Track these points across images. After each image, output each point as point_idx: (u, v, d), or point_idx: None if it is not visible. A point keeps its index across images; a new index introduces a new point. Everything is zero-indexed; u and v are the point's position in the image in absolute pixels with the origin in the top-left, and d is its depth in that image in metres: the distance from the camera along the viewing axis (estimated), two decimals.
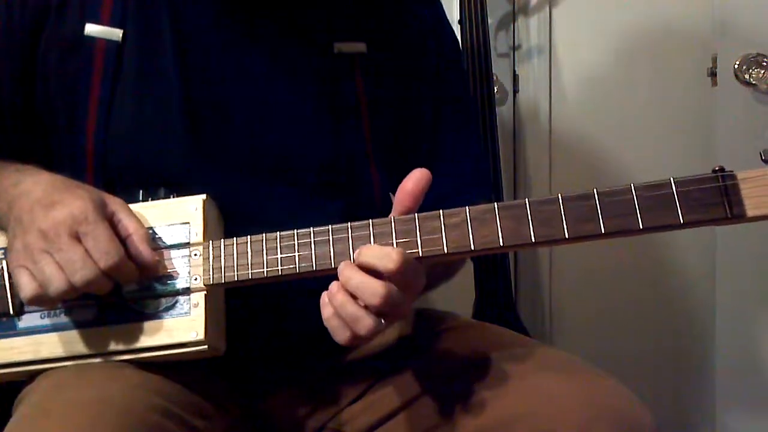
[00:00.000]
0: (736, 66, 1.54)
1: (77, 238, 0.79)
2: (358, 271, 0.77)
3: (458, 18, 1.59)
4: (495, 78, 1.65)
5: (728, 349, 1.63)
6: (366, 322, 0.76)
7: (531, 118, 1.75)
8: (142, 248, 0.82)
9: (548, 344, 1.27)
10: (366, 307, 0.76)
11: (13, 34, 0.94)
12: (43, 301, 0.80)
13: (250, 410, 0.97)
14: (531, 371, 0.88)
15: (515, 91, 1.73)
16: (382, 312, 0.77)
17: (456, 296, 1.41)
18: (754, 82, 1.53)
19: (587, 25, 1.71)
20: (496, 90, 1.64)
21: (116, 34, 0.94)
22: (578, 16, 1.71)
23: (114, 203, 0.84)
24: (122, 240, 0.82)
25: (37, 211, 0.80)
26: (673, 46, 1.69)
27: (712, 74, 1.58)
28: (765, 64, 1.52)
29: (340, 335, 0.78)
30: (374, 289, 0.76)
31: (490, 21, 1.62)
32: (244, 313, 0.89)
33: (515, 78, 1.73)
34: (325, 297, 0.79)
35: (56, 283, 0.78)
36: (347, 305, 0.77)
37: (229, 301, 0.88)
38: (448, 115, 1.06)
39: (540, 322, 1.78)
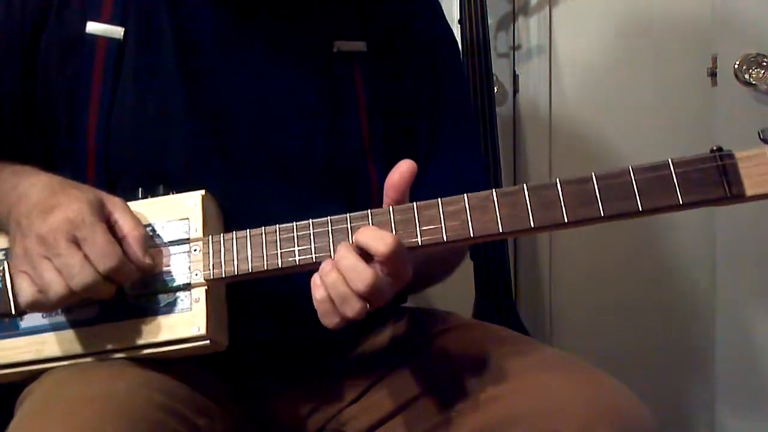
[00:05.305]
0: (736, 66, 1.53)
1: (75, 242, 0.78)
2: (352, 252, 0.77)
3: (458, 18, 1.59)
4: (495, 78, 1.65)
5: (728, 348, 1.63)
6: (354, 304, 0.76)
7: (531, 118, 1.75)
8: (136, 249, 0.81)
9: (548, 344, 1.27)
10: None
11: (14, 32, 0.94)
12: (42, 306, 0.80)
13: (252, 410, 0.97)
14: (531, 371, 0.88)
15: (515, 91, 1.74)
16: (366, 297, 0.76)
17: (456, 296, 1.41)
18: (754, 82, 1.53)
19: (587, 25, 1.71)
20: (496, 90, 1.64)
21: (117, 32, 0.94)
22: (578, 16, 1.71)
23: (111, 203, 0.83)
24: (119, 241, 0.81)
25: (35, 215, 0.80)
26: (673, 46, 1.69)
27: (712, 74, 1.58)
28: (765, 64, 1.52)
29: (330, 319, 0.78)
30: (362, 275, 0.76)
31: (490, 21, 1.63)
32: (245, 313, 0.89)
33: (515, 78, 1.73)
34: (317, 278, 0.79)
35: (55, 288, 0.78)
36: (338, 284, 0.77)
37: (231, 300, 0.88)
38: (446, 115, 1.06)
39: (540, 322, 1.78)
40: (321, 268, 0.79)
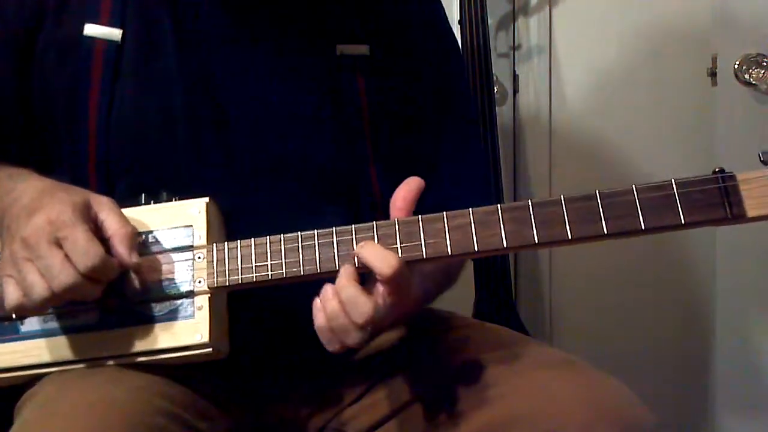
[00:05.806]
0: (736, 66, 1.53)
1: (57, 243, 0.77)
2: (353, 281, 0.78)
3: (458, 18, 1.60)
4: (495, 78, 1.65)
5: (728, 349, 1.63)
6: (355, 336, 0.78)
7: (531, 118, 1.75)
8: (121, 249, 0.80)
9: (548, 344, 1.27)
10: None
11: (10, 35, 0.94)
12: (28, 309, 0.79)
13: (253, 411, 0.97)
14: (532, 371, 0.88)
15: (515, 91, 1.74)
16: (365, 328, 0.78)
17: (456, 296, 1.41)
18: (754, 82, 1.53)
19: (587, 25, 1.71)
20: (496, 90, 1.64)
21: (115, 34, 0.93)
22: (578, 16, 1.71)
23: (98, 204, 0.82)
24: (105, 241, 0.80)
25: (21, 218, 0.80)
26: (673, 46, 1.69)
27: (712, 74, 1.58)
28: (765, 64, 1.51)
29: (331, 346, 0.80)
30: (361, 309, 0.77)
31: (490, 21, 1.63)
32: (246, 314, 0.88)
33: (515, 78, 1.73)
34: (318, 302, 0.79)
35: (38, 290, 0.77)
36: (338, 316, 0.78)
37: (232, 302, 0.88)
38: (449, 118, 1.06)
39: (540, 322, 1.79)
40: (322, 291, 0.79)
